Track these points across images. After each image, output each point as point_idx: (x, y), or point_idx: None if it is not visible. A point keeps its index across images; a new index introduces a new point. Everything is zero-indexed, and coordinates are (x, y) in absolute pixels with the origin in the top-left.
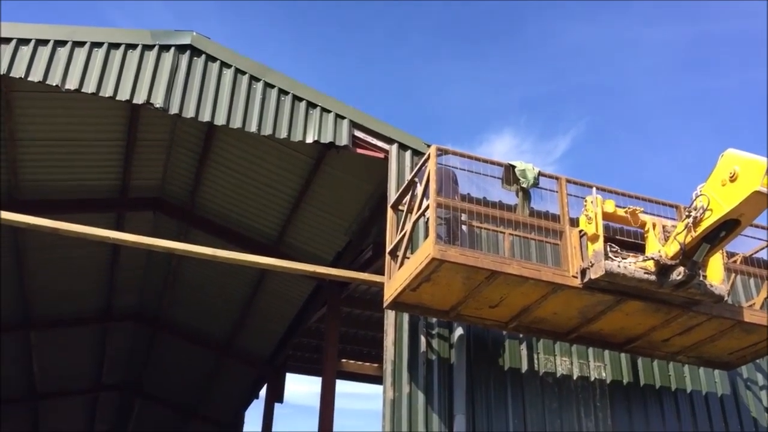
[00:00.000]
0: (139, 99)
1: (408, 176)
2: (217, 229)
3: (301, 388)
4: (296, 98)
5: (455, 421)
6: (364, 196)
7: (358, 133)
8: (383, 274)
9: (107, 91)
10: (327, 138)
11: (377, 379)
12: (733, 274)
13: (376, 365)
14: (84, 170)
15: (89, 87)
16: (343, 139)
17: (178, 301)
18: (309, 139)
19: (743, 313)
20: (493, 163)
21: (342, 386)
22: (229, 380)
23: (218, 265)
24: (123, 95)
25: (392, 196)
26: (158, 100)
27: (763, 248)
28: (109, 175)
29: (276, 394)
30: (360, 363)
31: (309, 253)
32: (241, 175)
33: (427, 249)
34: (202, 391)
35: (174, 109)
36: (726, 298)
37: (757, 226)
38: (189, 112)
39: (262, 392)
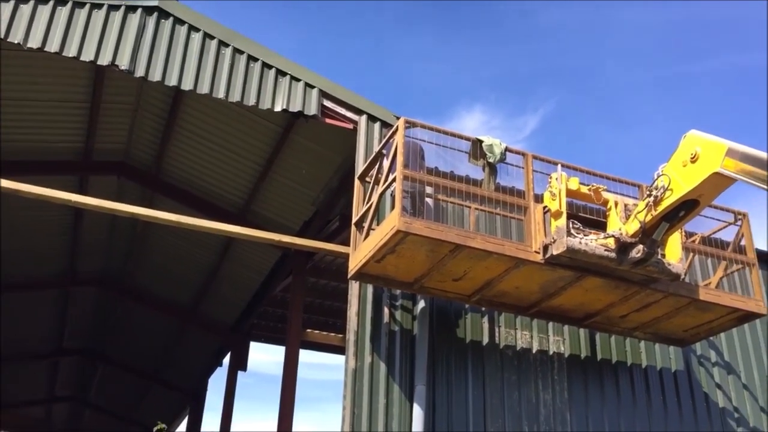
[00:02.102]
0: (104, 60)
1: (376, 148)
2: (182, 195)
3: (265, 358)
4: (265, 65)
5: (416, 391)
6: (333, 167)
7: (328, 103)
8: (349, 245)
9: (71, 51)
10: (296, 107)
11: (341, 350)
12: (692, 254)
13: (340, 336)
14: (46, 132)
15: (52, 46)
16: (312, 109)
17: (142, 267)
18: (278, 108)
19: (699, 291)
20: (460, 137)
21: (306, 356)
22: (193, 347)
23: (183, 231)
24: (87, 56)
25: (360, 167)
26: (123, 62)
27: (721, 229)
28: (72, 138)
29: (240, 362)
30: (324, 333)
31: (276, 223)
32: (208, 142)
33: (393, 221)
34: (165, 358)
35: (140, 72)
36: (683, 277)
37: (716, 207)
38: (155, 76)
39: (226, 360)
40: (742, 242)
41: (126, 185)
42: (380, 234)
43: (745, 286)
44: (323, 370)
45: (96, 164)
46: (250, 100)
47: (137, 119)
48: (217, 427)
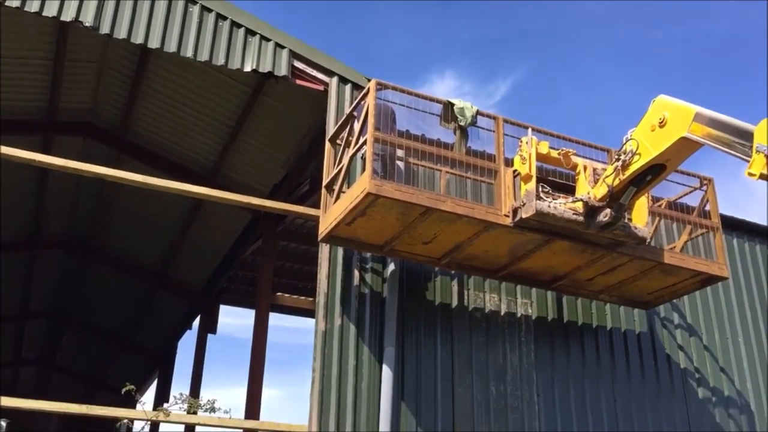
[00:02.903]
0: (67, 16)
1: (347, 110)
2: (150, 156)
3: (235, 322)
4: (235, 24)
5: (385, 353)
6: (303, 129)
7: (298, 64)
8: (319, 208)
9: (33, 6)
10: (266, 67)
11: (311, 313)
12: (657, 218)
13: (310, 299)
14: (9, 90)
15: (13, 1)
16: (282, 70)
17: (109, 229)
18: (247, 68)
19: (664, 255)
20: (432, 99)
21: (276, 320)
22: (162, 310)
23: (151, 193)
24: (50, 11)
25: (330, 129)
26: (88, 19)
27: (687, 194)
28: (36, 97)
29: (209, 326)
30: (294, 296)
31: (245, 185)
32: (177, 102)
33: (363, 183)
34: (133, 321)
35: (105, 29)
36: (648, 241)
37: (682, 172)
38: (121, 33)
39: (195, 323)
40: (707, 207)
41: (92, 146)
42: (351, 197)
43: (708, 250)
44: (293, 333)
45: (61, 124)
46: (219, 60)
47: (103, 78)
48: (187, 390)
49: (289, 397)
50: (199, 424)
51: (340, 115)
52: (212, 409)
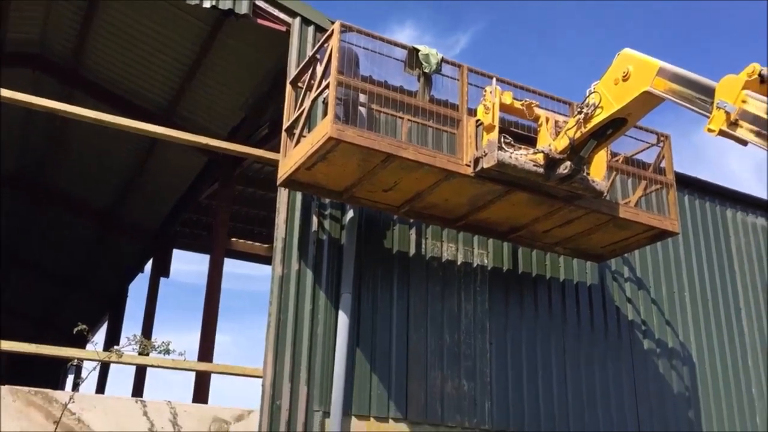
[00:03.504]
0: None
1: (310, 52)
2: (103, 93)
3: (189, 268)
4: None
5: (342, 299)
6: (263, 71)
7: (260, 3)
8: (279, 152)
9: None
10: (226, 4)
11: (266, 260)
12: (614, 173)
13: (266, 245)
14: None
15: None
16: (243, 8)
17: (60, 168)
18: (206, 4)
19: (619, 209)
20: (396, 44)
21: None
22: (113, 253)
23: (104, 131)
24: None
25: (292, 71)
26: None
27: (644, 150)
28: None
29: (162, 269)
30: (249, 242)
31: (202, 127)
32: (131, 38)
33: (325, 128)
34: (83, 263)
35: None
36: (605, 194)
37: (640, 128)
38: None
39: (148, 267)
40: (662, 164)
41: (42, 79)
42: (312, 141)
43: (660, 206)
44: (247, 281)
45: (8, 56)
46: None
47: (53, 8)
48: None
49: (239, 344)
50: (152, 366)
51: (302, 57)
52: (166, 351)
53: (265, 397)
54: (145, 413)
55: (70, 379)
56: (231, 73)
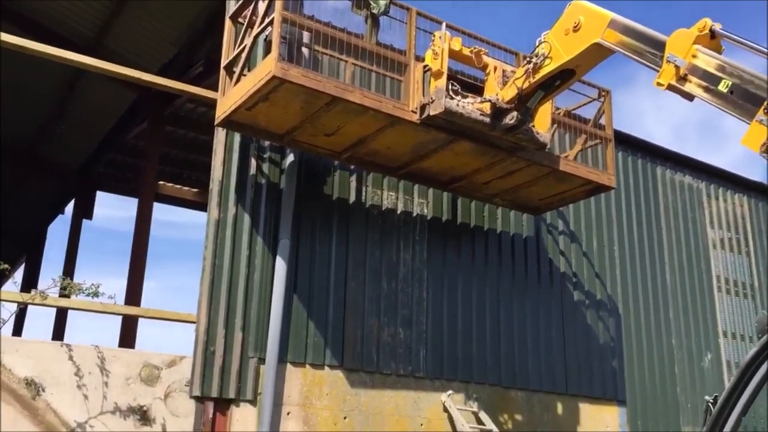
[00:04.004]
0: None
1: None
2: (26, 22)
3: (112, 213)
4: None
5: (279, 245)
6: (199, 5)
7: None
8: (217, 91)
9: None
10: None
11: (195, 205)
12: (555, 126)
13: (195, 190)
14: None
15: None
16: None
17: None
18: None
19: (560, 162)
20: None
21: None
22: (31, 192)
23: (25, 62)
24: None
25: (232, 6)
26: None
27: (585, 104)
28: None
29: (84, 211)
30: (179, 187)
31: (130, 61)
32: None
33: (268, 66)
34: None
35: None
36: (548, 147)
37: (583, 83)
38: None
39: (69, 209)
40: (602, 119)
41: None
42: (254, 79)
43: (596, 161)
44: (173, 228)
45: None
46: None
47: None
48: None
49: (165, 291)
50: (80, 310)
51: None
52: (95, 294)
53: (199, 342)
54: (71, 357)
55: None
56: (164, 6)
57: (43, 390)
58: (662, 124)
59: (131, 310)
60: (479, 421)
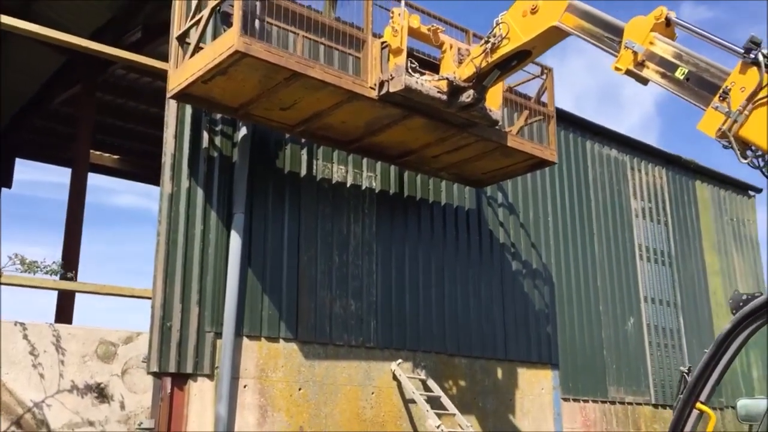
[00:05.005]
0: None
1: None
2: None
3: (31, 177)
4: None
5: (234, 219)
6: None
7: None
8: (153, 59)
9: None
10: None
11: (120, 173)
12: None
13: (117, 157)
14: None
15: None
16: None
17: None
18: None
19: (507, 138)
20: None
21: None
22: None
23: None
24: None
25: None
26: None
27: (528, 81)
28: None
29: (4, 179)
30: (108, 155)
31: (60, 24)
32: None
33: (230, 40)
34: None
35: None
36: (500, 123)
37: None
38: None
39: None
40: (544, 97)
41: None
42: (213, 53)
43: (532, 135)
44: (52, 188)
45: None
46: None
47: None
48: None
49: (50, 257)
50: (37, 287)
51: None
52: (54, 272)
53: (155, 318)
54: (25, 336)
55: None
56: None
57: None
58: (565, 92)
59: (87, 287)
60: (426, 388)
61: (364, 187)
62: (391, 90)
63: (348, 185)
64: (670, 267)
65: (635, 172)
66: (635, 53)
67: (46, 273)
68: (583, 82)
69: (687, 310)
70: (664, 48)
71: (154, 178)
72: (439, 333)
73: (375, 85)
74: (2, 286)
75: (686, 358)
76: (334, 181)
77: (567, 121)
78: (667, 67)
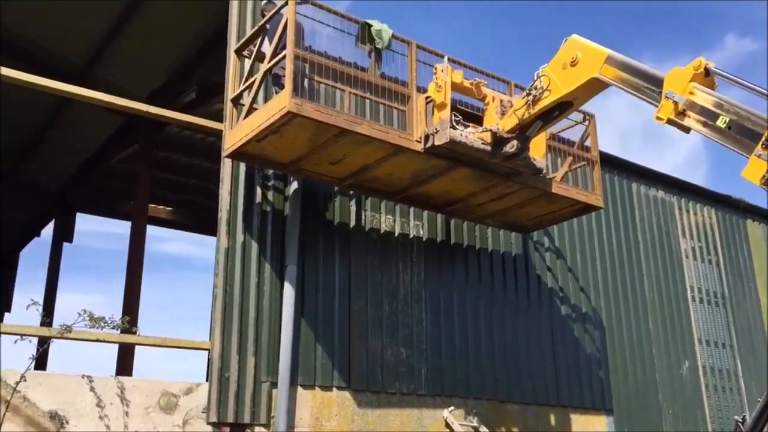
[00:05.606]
0: None
1: (249, 19)
2: (11, 49)
3: (87, 227)
4: None
5: (287, 271)
6: (191, 35)
7: None
8: (207, 119)
9: None
10: None
11: (176, 224)
12: (546, 149)
13: (168, 209)
14: None
15: None
16: None
17: None
18: None
19: (552, 184)
20: (349, 19)
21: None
22: (4, 214)
23: (8, 87)
24: None
25: (233, 39)
26: None
27: (570, 127)
28: None
29: (65, 233)
30: (162, 207)
31: (119, 88)
32: None
33: (282, 101)
34: None
35: None
36: (544, 171)
37: None
38: None
39: (44, 231)
40: (587, 142)
41: None
42: (266, 114)
43: (576, 179)
44: (107, 238)
45: None
46: None
47: None
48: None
49: (107, 305)
50: (104, 342)
51: (242, 25)
52: (119, 326)
53: (214, 369)
54: (92, 389)
55: None
56: (156, 35)
57: (67, 422)
58: (608, 130)
59: (150, 340)
60: None
61: (411, 236)
62: (437, 143)
63: (396, 234)
64: (724, 308)
65: (683, 213)
66: (676, 103)
67: (113, 328)
68: (627, 119)
69: (743, 351)
70: (704, 97)
71: (204, 227)
72: (490, 379)
73: (420, 138)
74: (72, 341)
75: (745, 400)
76: (382, 231)
77: (612, 164)
78: (708, 116)
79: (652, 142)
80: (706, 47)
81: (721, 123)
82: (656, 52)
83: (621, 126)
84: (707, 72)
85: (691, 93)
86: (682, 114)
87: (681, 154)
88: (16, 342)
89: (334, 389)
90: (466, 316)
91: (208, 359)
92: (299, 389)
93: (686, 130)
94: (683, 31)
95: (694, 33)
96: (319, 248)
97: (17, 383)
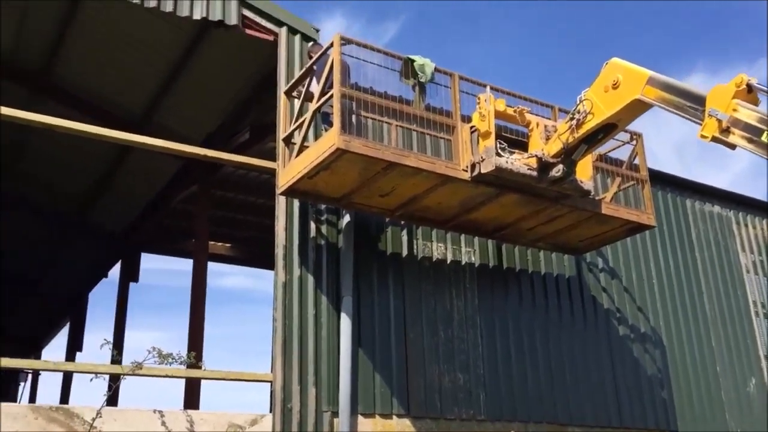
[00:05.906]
0: None
1: (297, 61)
2: (74, 100)
3: (150, 266)
4: None
5: (343, 302)
6: (243, 78)
7: (248, 13)
8: (260, 158)
9: None
10: (216, 15)
11: (234, 260)
12: (594, 171)
13: (227, 245)
14: None
15: None
16: (233, 18)
17: (23, 173)
18: (197, 15)
19: (601, 206)
20: (392, 56)
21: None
22: (75, 256)
23: (72, 138)
24: None
25: (282, 81)
26: None
27: (618, 148)
28: None
29: (131, 274)
30: (221, 244)
31: (177, 133)
32: (109, 45)
33: (332, 139)
34: (41, 267)
35: None
36: (592, 194)
37: None
38: None
39: (111, 272)
40: (635, 161)
41: (8, 86)
42: (317, 152)
43: (627, 199)
44: (171, 276)
45: None
46: (167, 6)
47: (30, 12)
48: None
49: (171, 340)
50: (172, 377)
51: (291, 66)
52: (186, 362)
53: (277, 400)
54: (164, 423)
55: (21, 387)
56: (210, 80)
57: None
58: (663, 143)
59: (215, 374)
60: None
61: (464, 263)
62: (483, 171)
63: (448, 262)
64: None
65: (741, 227)
66: (719, 121)
67: (180, 363)
68: (682, 129)
69: None
70: (748, 114)
71: (261, 262)
72: (550, 402)
73: (467, 167)
74: (143, 377)
75: None
76: (434, 259)
77: (664, 181)
78: (753, 132)
79: (711, 152)
80: (759, 56)
81: (765, 138)
82: (709, 63)
83: (676, 138)
84: (750, 88)
85: (735, 110)
86: (726, 131)
87: (744, 162)
88: (91, 380)
89: (394, 417)
90: (522, 340)
91: (271, 391)
92: (360, 418)
93: (732, 147)
94: (738, 39)
95: (743, 43)
96: (374, 278)
97: (93, 419)
